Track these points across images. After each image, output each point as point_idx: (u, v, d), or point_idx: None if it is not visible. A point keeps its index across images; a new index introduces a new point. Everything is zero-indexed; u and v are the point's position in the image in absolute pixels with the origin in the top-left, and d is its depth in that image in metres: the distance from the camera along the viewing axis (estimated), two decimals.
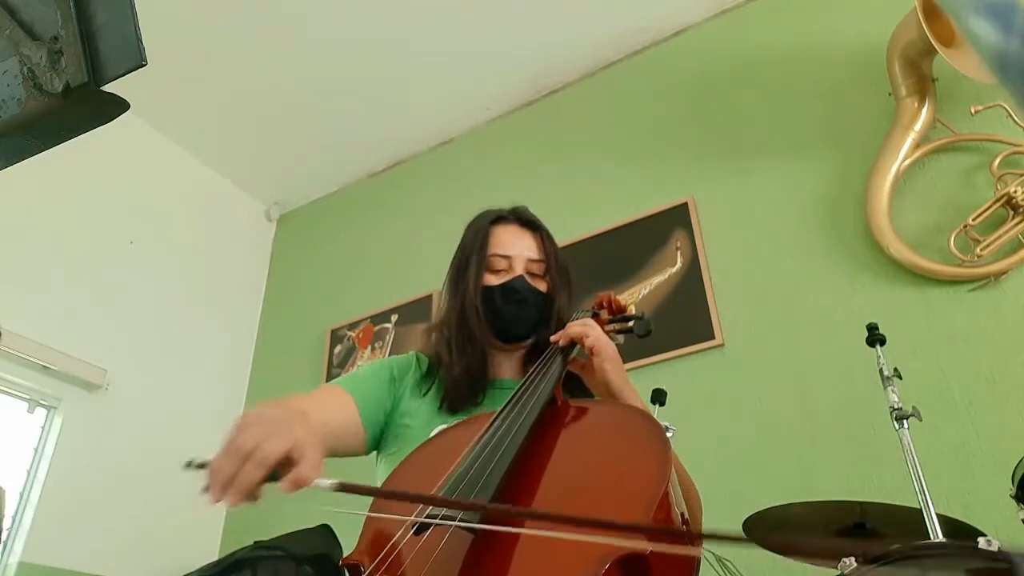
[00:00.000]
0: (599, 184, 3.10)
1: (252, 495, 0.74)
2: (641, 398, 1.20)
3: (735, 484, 2.18)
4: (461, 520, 0.77)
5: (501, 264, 1.28)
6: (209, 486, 0.75)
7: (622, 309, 1.34)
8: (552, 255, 1.32)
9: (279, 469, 0.75)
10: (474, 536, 0.79)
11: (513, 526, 0.78)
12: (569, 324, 1.19)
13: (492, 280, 1.27)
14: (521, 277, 1.27)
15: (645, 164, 3.02)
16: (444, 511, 0.78)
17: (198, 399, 3.42)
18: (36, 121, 0.51)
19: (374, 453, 1.28)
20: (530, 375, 1.10)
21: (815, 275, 2.46)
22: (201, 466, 0.76)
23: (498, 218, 1.34)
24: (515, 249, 1.29)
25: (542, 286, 1.29)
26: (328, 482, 0.72)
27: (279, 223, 4.23)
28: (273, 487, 0.76)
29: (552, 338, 1.18)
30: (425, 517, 0.79)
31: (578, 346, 1.18)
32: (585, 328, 1.16)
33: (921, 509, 1.41)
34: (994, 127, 2.30)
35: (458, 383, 1.24)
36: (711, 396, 2.42)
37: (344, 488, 0.71)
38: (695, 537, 0.89)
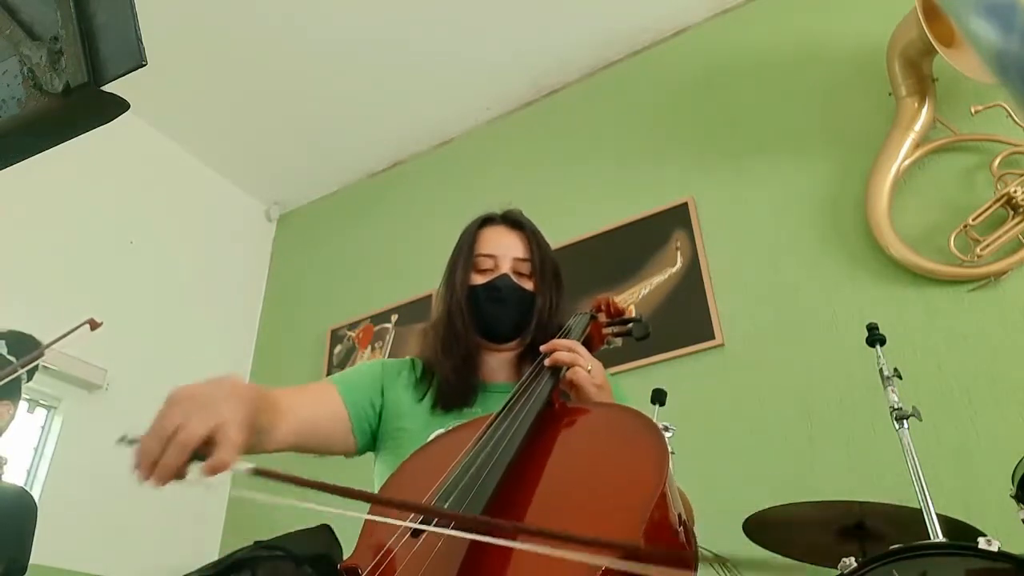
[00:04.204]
0: (599, 184, 3.10)
1: (177, 476, 0.75)
2: None
3: (735, 484, 2.18)
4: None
5: (487, 264, 1.29)
6: (137, 465, 0.75)
7: (620, 312, 1.34)
8: (539, 254, 1.32)
9: (204, 449, 0.75)
10: (470, 540, 0.79)
11: (506, 536, 0.78)
12: (558, 342, 1.13)
13: (477, 280, 1.29)
14: (505, 276, 1.28)
15: (645, 164, 3.02)
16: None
17: None
18: (36, 121, 0.51)
19: (371, 455, 1.28)
20: (524, 381, 1.10)
21: (815, 275, 2.46)
22: (132, 442, 0.76)
23: (486, 220, 1.36)
24: (500, 248, 1.30)
25: (528, 285, 1.30)
26: (246, 466, 0.71)
27: (279, 223, 4.23)
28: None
29: (542, 348, 1.13)
30: (420, 522, 0.79)
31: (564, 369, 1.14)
32: (573, 357, 1.11)
33: (921, 509, 1.41)
34: (994, 127, 2.30)
35: (448, 381, 1.25)
36: (711, 396, 2.42)
37: (260, 473, 0.70)
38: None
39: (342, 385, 1.23)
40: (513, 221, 1.35)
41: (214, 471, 0.73)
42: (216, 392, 0.83)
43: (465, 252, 1.31)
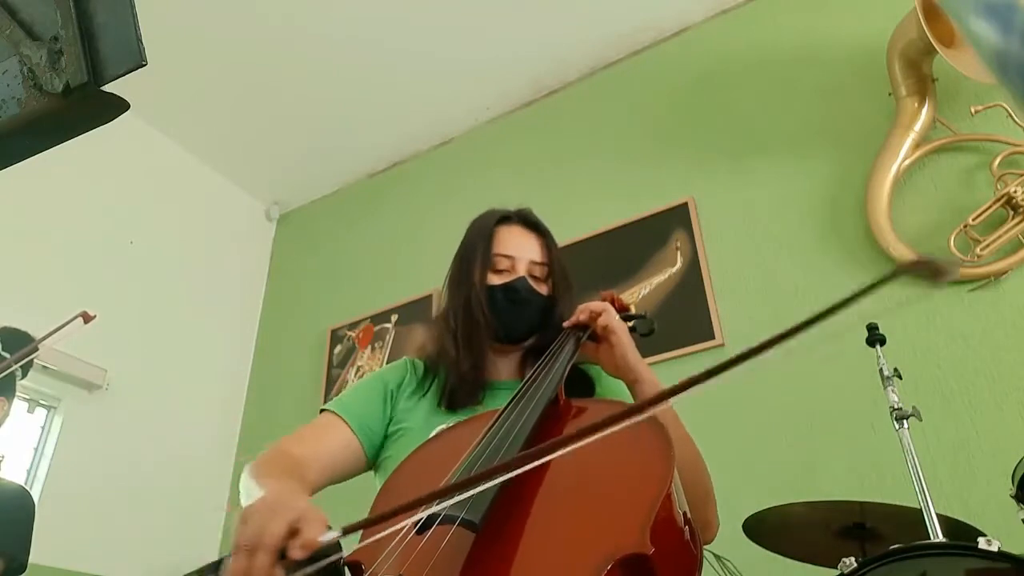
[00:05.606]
0: (599, 184, 3.09)
1: None
2: (656, 377, 1.19)
3: (735, 484, 2.18)
4: (464, 517, 0.77)
5: (504, 264, 1.28)
6: None
7: (625, 308, 1.35)
8: (555, 259, 1.32)
9: (288, 542, 0.78)
10: (476, 534, 0.79)
11: (506, 510, 0.79)
12: (586, 304, 1.22)
13: (495, 280, 1.27)
14: (523, 278, 1.27)
15: (645, 164, 3.02)
16: (445, 511, 0.78)
17: (198, 399, 3.42)
18: (36, 121, 0.50)
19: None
20: (536, 370, 1.10)
21: (815, 275, 2.45)
22: (218, 566, 0.81)
23: (503, 218, 1.34)
24: (518, 250, 1.29)
25: (544, 289, 1.29)
26: (333, 534, 0.77)
27: (279, 223, 4.23)
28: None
29: (565, 324, 1.21)
30: (426, 517, 0.79)
31: (588, 331, 1.20)
32: (600, 306, 1.20)
33: (921, 509, 1.41)
34: (994, 127, 2.30)
35: (463, 378, 1.22)
36: (711, 396, 2.41)
37: (348, 531, 0.75)
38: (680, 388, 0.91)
39: (344, 412, 1.21)
40: (529, 222, 1.34)
41: (306, 551, 0.77)
42: (279, 491, 0.88)
43: (483, 249, 1.29)
